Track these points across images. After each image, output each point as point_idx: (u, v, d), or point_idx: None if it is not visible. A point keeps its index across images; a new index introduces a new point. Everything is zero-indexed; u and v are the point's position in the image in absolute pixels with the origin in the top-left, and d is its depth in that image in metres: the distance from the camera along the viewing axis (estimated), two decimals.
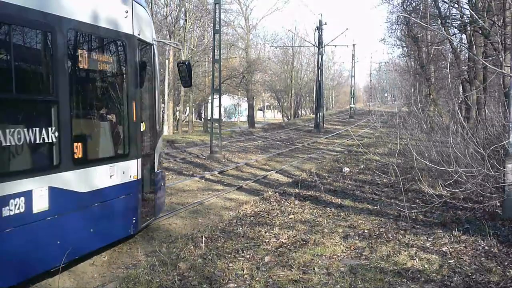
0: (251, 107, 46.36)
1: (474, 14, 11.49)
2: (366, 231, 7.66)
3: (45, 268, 5.77)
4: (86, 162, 6.37)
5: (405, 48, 33.73)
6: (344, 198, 10.50)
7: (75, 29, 6.21)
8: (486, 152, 7.59)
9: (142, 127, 7.55)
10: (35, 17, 5.51)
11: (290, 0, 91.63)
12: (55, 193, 5.66)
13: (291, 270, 5.93)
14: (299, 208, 9.54)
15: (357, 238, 7.32)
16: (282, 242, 7.13)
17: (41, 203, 5.48)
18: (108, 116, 7.20)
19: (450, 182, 8.38)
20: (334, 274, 5.77)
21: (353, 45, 59.29)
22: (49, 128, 5.66)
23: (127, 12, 7.21)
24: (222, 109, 24.86)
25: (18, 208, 5.17)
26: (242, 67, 40.71)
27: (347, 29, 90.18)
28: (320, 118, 38.52)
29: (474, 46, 16.12)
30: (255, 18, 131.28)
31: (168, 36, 33.58)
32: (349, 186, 12.06)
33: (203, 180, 14.30)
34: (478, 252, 6.54)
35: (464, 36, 19.80)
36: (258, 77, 46.21)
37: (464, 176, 8.01)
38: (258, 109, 66.03)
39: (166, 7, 34.78)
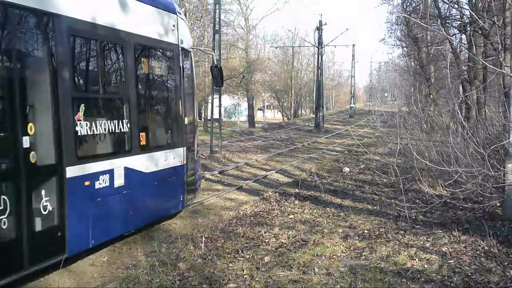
0: (251, 107, 46.35)
1: (474, 14, 11.50)
2: (366, 231, 7.66)
3: (121, 232, 7.45)
4: (149, 148, 7.85)
5: (405, 48, 33.74)
6: (344, 198, 10.50)
7: (139, 42, 7.73)
8: (486, 152, 7.59)
9: (186, 121, 8.98)
10: (116, 34, 7.09)
11: (290, 0, 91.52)
12: (128, 172, 7.14)
13: (291, 270, 5.93)
14: (299, 208, 9.54)
15: (357, 238, 7.32)
16: (282, 242, 7.14)
17: (119, 179, 6.95)
18: (163, 112, 8.87)
19: (450, 182, 8.39)
20: (334, 274, 5.77)
21: (353, 45, 59.33)
22: (124, 120, 7.15)
23: (174, 26, 8.62)
24: (222, 109, 24.86)
25: (105, 183, 6.65)
26: (242, 67, 40.65)
27: (347, 29, 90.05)
28: (320, 118, 38.53)
29: (474, 46, 16.10)
30: (255, 18, 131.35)
31: None
32: (349, 186, 12.05)
33: (203, 180, 14.30)
34: (478, 252, 6.54)
35: (464, 36, 19.76)
36: (258, 77, 46.16)
37: (464, 176, 8.01)
38: (258, 109, 66.01)
39: None
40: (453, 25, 18.61)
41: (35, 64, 5.87)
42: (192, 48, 9.70)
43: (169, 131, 8.79)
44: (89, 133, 6.44)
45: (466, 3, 17.13)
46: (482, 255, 6.42)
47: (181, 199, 8.85)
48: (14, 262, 5.24)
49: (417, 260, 6.24)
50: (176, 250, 6.83)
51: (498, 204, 8.43)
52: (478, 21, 11.29)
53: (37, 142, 5.56)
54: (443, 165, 8.57)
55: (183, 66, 8.84)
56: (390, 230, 7.70)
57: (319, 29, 40.09)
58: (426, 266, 6.05)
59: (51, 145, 5.81)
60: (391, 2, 49.60)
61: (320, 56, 39.66)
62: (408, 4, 23.58)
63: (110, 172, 6.76)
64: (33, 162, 5.42)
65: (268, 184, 13.38)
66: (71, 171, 6.00)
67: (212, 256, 6.46)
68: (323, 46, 40.32)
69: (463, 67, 19.17)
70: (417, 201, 9.44)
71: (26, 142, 5.33)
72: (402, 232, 7.58)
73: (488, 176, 7.90)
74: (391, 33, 40.53)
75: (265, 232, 7.67)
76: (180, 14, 9.01)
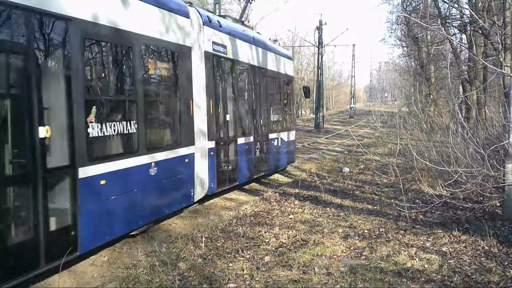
0: None
1: (474, 14, 11.48)
2: (366, 231, 7.67)
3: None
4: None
5: (405, 48, 33.83)
6: (344, 198, 10.50)
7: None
8: (486, 152, 7.58)
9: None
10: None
11: (290, 0, 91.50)
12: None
13: (291, 270, 5.94)
14: (299, 208, 9.54)
15: (357, 238, 7.32)
16: (282, 242, 7.14)
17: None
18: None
19: (450, 182, 8.38)
20: (334, 274, 5.78)
21: (353, 45, 59.45)
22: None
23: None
24: None
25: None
26: None
27: (347, 29, 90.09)
28: (320, 118, 38.49)
29: (474, 46, 16.11)
30: (255, 18, 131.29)
31: None
32: (349, 186, 12.05)
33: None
34: (478, 252, 6.55)
35: (464, 36, 19.80)
36: None
37: (464, 176, 8.00)
38: None
39: None
40: (453, 24, 18.61)
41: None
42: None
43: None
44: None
45: (466, 3, 17.15)
46: (482, 255, 6.42)
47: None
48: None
49: (417, 260, 6.25)
50: (176, 250, 6.83)
51: (498, 204, 8.43)
52: (478, 20, 11.27)
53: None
54: (443, 165, 8.57)
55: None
56: (390, 230, 7.70)
57: (319, 28, 40.06)
58: (426, 266, 6.05)
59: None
60: (391, 1, 49.71)
61: (320, 56, 39.63)
62: (408, 3, 23.62)
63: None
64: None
65: (268, 184, 13.38)
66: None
67: (212, 256, 6.46)
68: (323, 46, 40.29)
69: (463, 67, 19.20)
70: (417, 201, 9.44)
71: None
72: (402, 232, 7.59)
73: (488, 176, 7.89)
74: (391, 32, 40.74)
75: (265, 232, 7.67)
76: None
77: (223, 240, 7.23)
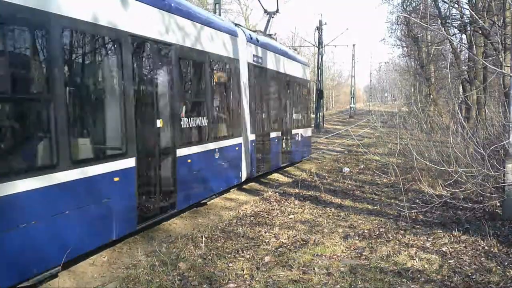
0: None
1: (474, 14, 11.48)
2: (366, 231, 7.67)
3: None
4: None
5: (405, 48, 33.84)
6: (344, 198, 10.50)
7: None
8: (486, 152, 7.58)
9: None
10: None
11: (290, 0, 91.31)
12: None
13: (291, 270, 5.94)
14: (299, 208, 9.54)
15: (357, 238, 7.32)
16: (282, 242, 7.14)
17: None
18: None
19: (450, 182, 8.38)
20: (334, 274, 5.78)
21: (353, 45, 59.42)
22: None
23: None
24: None
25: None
26: None
27: (347, 29, 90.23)
28: (320, 118, 38.47)
29: (474, 46, 16.11)
30: (255, 18, 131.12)
31: None
32: (349, 186, 12.05)
33: None
34: (478, 252, 6.55)
35: (464, 36, 19.80)
36: None
37: (464, 176, 8.00)
38: None
39: None
40: (453, 25, 18.62)
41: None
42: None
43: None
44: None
45: (466, 3, 17.15)
46: (482, 255, 6.42)
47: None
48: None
49: (417, 260, 6.25)
50: (176, 250, 6.83)
51: (498, 204, 8.43)
52: (478, 21, 11.27)
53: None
54: (443, 165, 8.57)
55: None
56: (390, 230, 7.70)
57: (319, 28, 40.04)
58: (426, 266, 6.05)
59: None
60: (391, 2, 49.71)
61: (320, 56, 39.62)
62: (408, 4, 23.63)
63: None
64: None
65: (268, 184, 13.37)
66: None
67: (212, 256, 6.46)
68: (323, 46, 40.27)
69: (463, 67, 19.19)
70: (417, 201, 9.45)
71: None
72: (402, 232, 7.59)
73: (488, 176, 7.89)
74: (391, 33, 40.69)
75: (265, 232, 7.67)
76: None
77: (223, 240, 7.23)
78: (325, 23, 41.41)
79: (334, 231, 7.71)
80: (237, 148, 11.26)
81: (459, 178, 8.00)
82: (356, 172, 14.44)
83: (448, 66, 16.96)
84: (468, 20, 16.58)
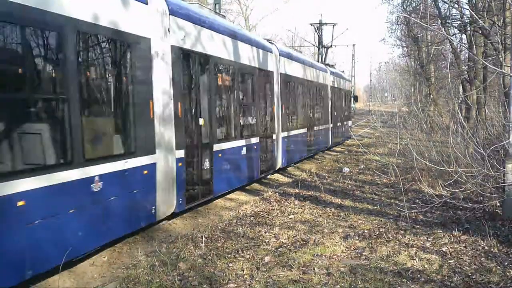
0: None
1: (474, 14, 11.47)
2: (366, 231, 7.67)
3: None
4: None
5: (405, 48, 33.82)
6: (344, 198, 10.50)
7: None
8: (486, 152, 7.58)
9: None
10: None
11: (290, 0, 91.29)
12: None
13: (291, 270, 5.94)
14: (299, 208, 9.54)
15: (357, 238, 7.32)
16: (282, 242, 7.14)
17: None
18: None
19: (450, 182, 8.38)
20: (334, 274, 5.78)
21: (353, 45, 59.38)
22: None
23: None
24: None
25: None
26: None
27: (347, 29, 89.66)
28: None
29: (474, 46, 16.11)
30: (255, 18, 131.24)
31: None
32: (349, 186, 12.05)
33: None
34: (478, 252, 6.54)
35: (464, 36, 19.80)
36: None
37: (464, 176, 8.00)
38: None
39: None
40: (453, 25, 18.61)
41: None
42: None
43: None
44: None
45: (466, 3, 17.13)
46: (482, 255, 6.42)
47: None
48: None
49: (417, 260, 6.25)
50: (176, 250, 6.83)
51: (498, 204, 8.43)
52: (478, 21, 11.27)
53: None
54: (443, 165, 8.57)
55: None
56: (390, 230, 7.70)
57: (319, 29, 40.01)
58: (426, 266, 6.05)
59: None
60: (391, 2, 49.68)
61: (320, 56, 39.59)
62: (408, 4, 23.60)
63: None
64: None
65: (268, 184, 13.37)
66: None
67: (212, 256, 6.46)
68: (323, 46, 40.24)
69: (463, 67, 19.18)
70: (417, 201, 9.44)
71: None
72: (402, 232, 7.59)
73: (488, 176, 7.89)
74: (391, 33, 40.71)
75: (265, 232, 7.67)
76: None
77: (223, 240, 7.23)
78: (325, 23, 41.36)
79: (334, 231, 7.71)
80: (270, 143, 13.47)
81: (459, 178, 7.99)
82: (356, 172, 14.44)
83: (448, 66, 16.93)
84: (468, 20, 16.57)
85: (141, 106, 7.35)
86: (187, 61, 8.92)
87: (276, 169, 14.26)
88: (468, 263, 6.12)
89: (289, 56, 15.82)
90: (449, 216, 8.42)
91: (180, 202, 8.51)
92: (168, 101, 8.14)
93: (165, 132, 8.02)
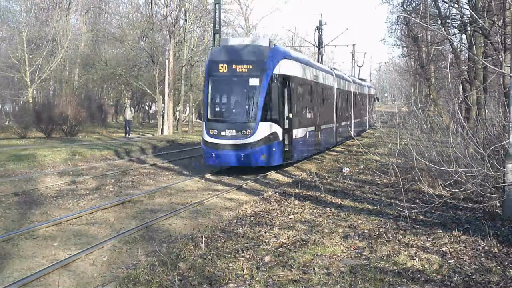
0: None
1: (474, 14, 11.47)
2: (366, 231, 7.67)
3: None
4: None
5: (405, 48, 33.79)
6: (344, 198, 10.50)
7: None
8: (486, 152, 7.57)
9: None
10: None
11: (290, 0, 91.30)
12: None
13: (291, 270, 5.94)
14: (299, 208, 9.54)
15: (357, 238, 7.32)
16: (282, 242, 7.14)
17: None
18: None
19: (450, 182, 8.37)
20: (334, 274, 5.78)
21: (353, 45, 59.15)
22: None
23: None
24: None
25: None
26: None
27: (347, 29, 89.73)
28: None
29: (474, 46, 16.11)
30: (255, 18, 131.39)
31: (168, 36, 33.54)
32: (349, 186, 12.06)
33: (203, 180, 14.32)
34: (478, 252, 6.54)
35: (464, 36, 19.79)
36: None
37: (464, 176, 8.00)
38: None
39: (166, 7, 34.64)
40: (453, 25, 18.62)
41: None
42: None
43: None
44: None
45: (466, 3, 17.15)
46: (482, 255, 6.42)
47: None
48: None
49: (417, 260, 6.25)
50: (176, 250, 6.83)
51: (498, 204, 8.43)
52: (478, 20, 11.27)
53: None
54: (443, 165, 8.56)
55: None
56: (390, 230, 7.70)
57: (319, 28, 40.03)
58: (426, 266, 6.05)
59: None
60: (391, 2, 49.65)
61: (320, 56, 39.62)
62: (408, 3, 23.60)
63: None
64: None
65: (268, 184, 13.38)
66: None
67: (212, 256, 6.46)
68: (323, 46, 40.26)
69: (463, 67, 19.17)
70: (417, 201, 9.44)
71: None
72: (402, 232, 7.59)
73: (488, 176, 7.89)
74: (391, 33, 40.63)
75: (265, 232, 7.67)
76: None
77: (223, 240, 7.23)
78: (325, 23, 41.38)
79: (334, 231, 7.71)
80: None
81: (459, 178, 7.99)
82: (356, 172, 14.44)
83: (448, 66, 16.95)
84: (468, 20, 16.57)
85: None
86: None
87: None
88: (468, 263, 6.12)
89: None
90: (449, 216, 8.42)
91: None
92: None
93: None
